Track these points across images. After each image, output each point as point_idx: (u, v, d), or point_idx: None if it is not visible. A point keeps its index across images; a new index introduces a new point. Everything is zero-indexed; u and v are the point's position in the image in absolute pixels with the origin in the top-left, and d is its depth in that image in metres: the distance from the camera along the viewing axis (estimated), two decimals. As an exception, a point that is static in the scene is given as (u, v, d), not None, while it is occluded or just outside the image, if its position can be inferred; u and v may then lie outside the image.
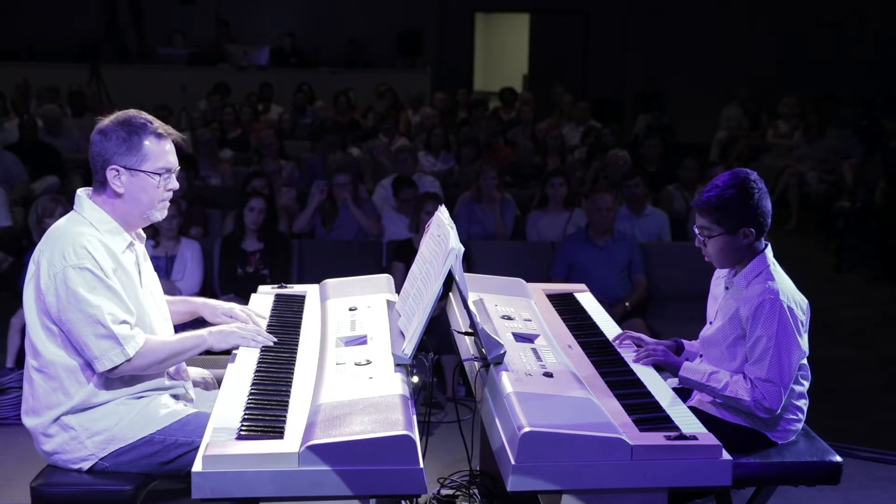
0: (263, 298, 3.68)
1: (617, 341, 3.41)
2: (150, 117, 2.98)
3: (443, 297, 3.00)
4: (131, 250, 3.00)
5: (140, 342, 2.86)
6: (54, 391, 2.90)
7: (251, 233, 5.80)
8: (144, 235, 3.14)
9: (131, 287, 2.94)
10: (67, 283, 2.80)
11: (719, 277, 3.37)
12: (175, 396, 3.10)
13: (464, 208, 6.75)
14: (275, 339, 3.16)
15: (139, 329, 2.90)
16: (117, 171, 2.91)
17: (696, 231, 3.24)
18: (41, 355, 2.90)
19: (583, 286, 4.06)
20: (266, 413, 2.67)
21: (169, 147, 2.98)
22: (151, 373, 2.99)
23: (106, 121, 2.95)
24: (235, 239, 5.85)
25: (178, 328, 5.12)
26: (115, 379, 2.92)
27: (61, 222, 2.96)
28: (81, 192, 3.00)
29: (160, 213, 3.03)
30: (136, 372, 2.92)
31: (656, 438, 2.57)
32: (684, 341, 3.50)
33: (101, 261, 2.84)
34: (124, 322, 2.84)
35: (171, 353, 2.97)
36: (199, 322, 3.34)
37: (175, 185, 3.02)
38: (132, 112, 2.98)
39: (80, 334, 2.81)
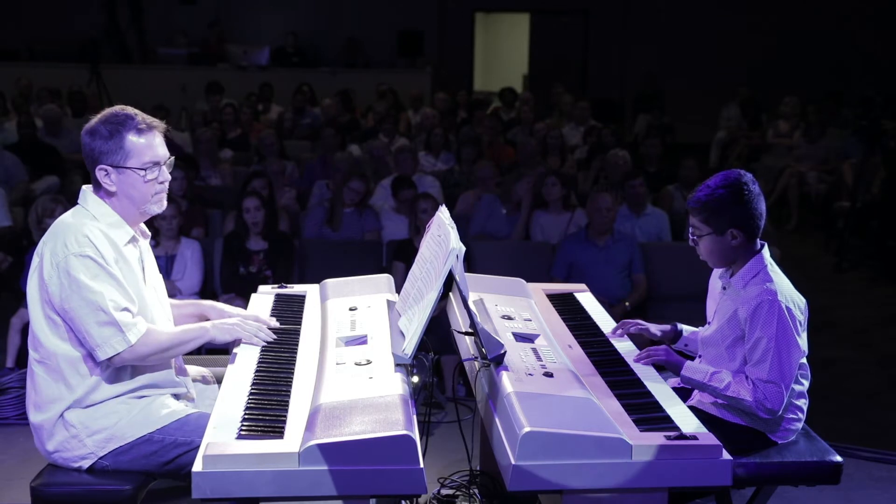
0: (263, 298, 3.68)
1: (619, 331, 3.47)
2: (133, 111, 2.95)
3: (443, 297, 3.00)
4: (134, 245, 3.00)
5: (142, 329, 2.86)
6: (56, 383, 2.90)
7: (255, 233, 5.81)
8: (149, 233, 3.13)
9: (133, 279, 2.94)
10: (69, 270, 2.80)
11: (717, 278, 3.38)
12: (176, 396, 3.09)
13: (486, 204, 6.73)
14: (275, 337, 3.17)
15: (141, 317, 2.90)
16: (106, 170, 2.90)
17: (690, 231, 3.26)
18: (43, 346, 2.90)
19: (583, 286, 4.06)
20: (266, 413, 2.68)
21: (156, 140, 2.95)
22: (153, 363, 2.98)
23: (93, 120, 2.94)
24: (239, 238, 5.85)
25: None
26: (116, 372, 2.91)
27: (66, 216, 2.97)
28: (86, 188, 3.00)
29: (157, 207, 3.01)
30: (137, 361, 2.91)
31: (656, 438, 2.57)
32: (684, 326, 3.52)
33: (102, 249, 2.84)
34: (126, 309, 2.85)
35: (174, 342, 2.96)
36: None
37: (167, 176, 2.99)
38: (116, 108, 2.97)
39: (82, 322, 2.81)
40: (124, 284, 2.88)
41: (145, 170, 2.92)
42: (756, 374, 3.06)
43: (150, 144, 2.94)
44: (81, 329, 2.83)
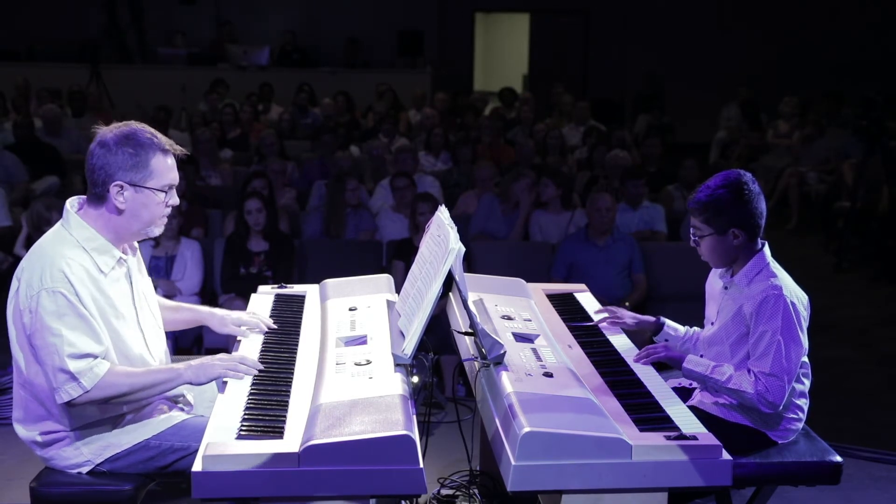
0: (263, 298, 3.68)
1: (598, 314, 3.53)
2: (153, 131, 2.92)
3: (443, 297, 3.01)
4: (121, 265, 2.93)
5: (100, 372, 2.75)
6: (39, 406, 2.88)
7: (256, 233, 5.80)
8: (136, 246, 3.08)
9: (112, 309, 2.86)
10: (38, 306, 2.73)
11: (717, 278, 3.38)
12: (174, 400, 3.09)
13: (486, 204, 6.73)
14: (261, 367, 2.96)
15: (102, 360, 2.78)
16: (121, 186, 2.84)
17: (691, 231, 3.26)
18: (23, 373, 2.86)
19: (583, 286, 4.07)
20: (266, 413, 2.68)
21: (172, 162, 2.93)
22: (116, 403, 2.87)
23: (108, 133, 2.86)
24: (241, 239, 5.84)
25: (181, 334, 5.05)
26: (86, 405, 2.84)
27: (47, 238, 2.89)
28: (70, 206, 2.92)
29: (159, 230, 2.98)
30: (98, 403, 2.83)
31: (656, 438, 2.57)
32: (668, 321, 3.53)
33: (77, 286, 2.75)
34: (85, 356, 2.74)
35: (136, 386, 2.83)
36: (200, 329, 3.32)
37: (176, 201, 2.97)
38: (135, 126, 2.90)
39: (43, 361, 2.76)
40: (93, 324, 2.77)
41: (164, 192, 2.90)
42: (758, 367, 3.06)
43: (169, 167, 2.90)
44: (43, 367, 2.77)
